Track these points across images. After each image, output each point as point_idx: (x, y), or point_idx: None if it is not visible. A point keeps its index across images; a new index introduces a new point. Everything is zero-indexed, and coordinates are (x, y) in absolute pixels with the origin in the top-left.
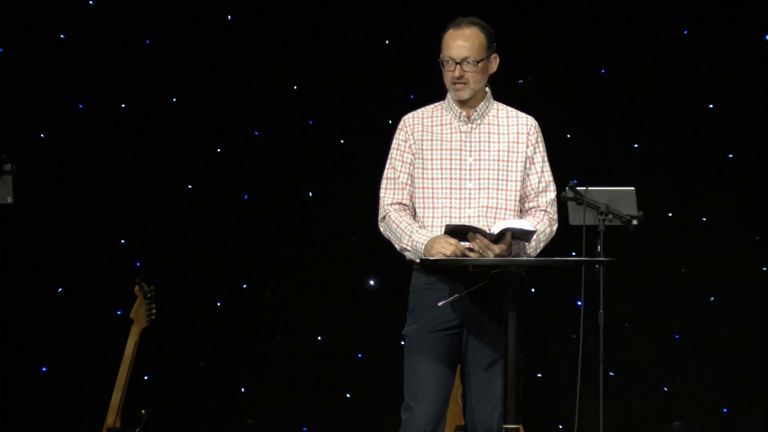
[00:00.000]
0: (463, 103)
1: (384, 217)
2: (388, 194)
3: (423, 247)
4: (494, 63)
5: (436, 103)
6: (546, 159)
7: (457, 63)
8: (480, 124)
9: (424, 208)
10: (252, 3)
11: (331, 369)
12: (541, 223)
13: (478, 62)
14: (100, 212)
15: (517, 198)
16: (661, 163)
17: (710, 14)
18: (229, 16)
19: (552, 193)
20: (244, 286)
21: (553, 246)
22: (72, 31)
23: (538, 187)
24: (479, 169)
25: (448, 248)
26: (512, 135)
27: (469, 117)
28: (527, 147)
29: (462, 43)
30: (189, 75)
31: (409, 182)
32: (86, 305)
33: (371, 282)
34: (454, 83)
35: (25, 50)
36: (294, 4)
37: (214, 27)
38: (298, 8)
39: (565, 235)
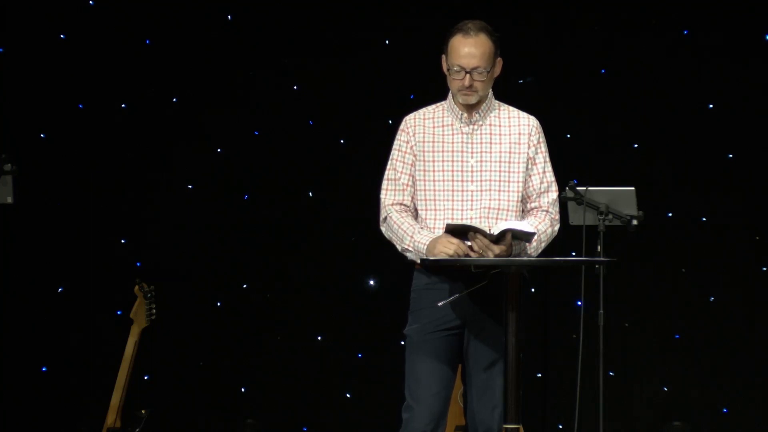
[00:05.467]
0: (466, 105)
1: (385, 218)
2: (389, 195)
3: (425, 247)
4: (498, 67)
5: (438, 104)
6: (548, 159)
7: (467, 72)
8: (482, 125)
9: (426, 209)
10: (252, 3)
11: (331, 369)
12: (543, 223)
13: (488, 71)
14: (100, 212)
15: (519, 199)
16: (661, 163)
17: (710, 14)
18: (229, 16)
19: (554, 194)
20: (244, 286)
21: (553, 246)
22: (72, 31)
23: (540, 188)
24: (481, 171)
25: (450, 247)
26: (513, 136)
27: (470, 118)
28: (528, 148)
29: (473, 51)
30: (189, 75)
31: (410, 183)
32: (86, 305)
33: (371, 282)
34: (462, 91)
35: (25, 50)
36: (294, 4)
37: (214, 27)
38: (298, 8)
39: (565, 235)
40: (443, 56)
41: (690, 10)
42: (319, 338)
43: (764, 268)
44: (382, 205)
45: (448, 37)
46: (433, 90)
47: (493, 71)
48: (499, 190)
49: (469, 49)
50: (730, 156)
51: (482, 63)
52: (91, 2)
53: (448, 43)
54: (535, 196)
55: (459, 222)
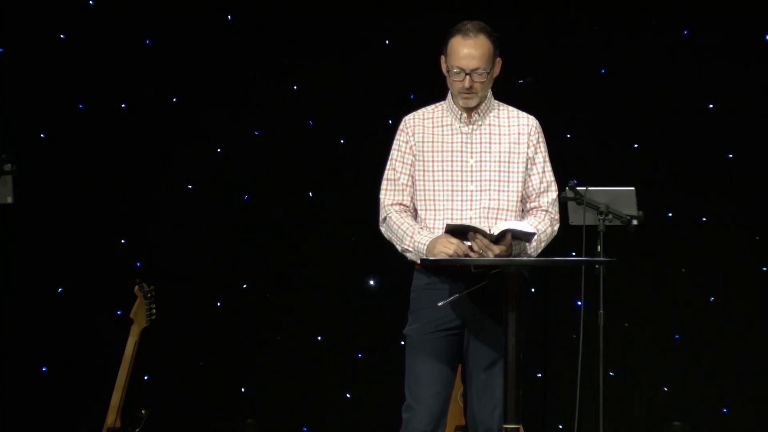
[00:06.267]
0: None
1: (385, 219)
2: (389, 195)
3: (425, 247)
4: (498, 67)
5: (437, 104)
6: (547, 159)
7: (467, 74)
8: (481, 125)
9: (425, 209)
10: (252, 3)
11: (331, 369)
12: (542, 223)
13: (487, 72)
14: (100, 212)
15: (519, 199)
16: (661, 163)
17: (710, 14)
18: (229, 16)
19: (553, 193)
20: (244, 286)
21: (553, 246)
22: (72, 31)
23: (540, 188)
24: (480, 171)
25: (449, 248)
26: (513, 136)
27: (470, 118)
28: (528, 147)
29: (472, 52)
30: (189, 75)
31: (409, 183)
32: (86, 305)
33: (371, 282)
34: (462, 93)
35: (25, 50)
36: (294, 4)
37: (214, 27)
38: (298, 8)
39: (565, 235)
40: (442, 57)
41: (690, 10)
42: (319, 338)
43: (764, 268)
44: (381, 206)
45: (447, 38)
46: (433, 90)
47: (492, 72)
48: (499, 190)
49: (468, 51)
50: (730, 156)
51: (482, 64)
52: (91, 2)
53: (447, 44)
54: (534, 195)
55: (459, 222)
